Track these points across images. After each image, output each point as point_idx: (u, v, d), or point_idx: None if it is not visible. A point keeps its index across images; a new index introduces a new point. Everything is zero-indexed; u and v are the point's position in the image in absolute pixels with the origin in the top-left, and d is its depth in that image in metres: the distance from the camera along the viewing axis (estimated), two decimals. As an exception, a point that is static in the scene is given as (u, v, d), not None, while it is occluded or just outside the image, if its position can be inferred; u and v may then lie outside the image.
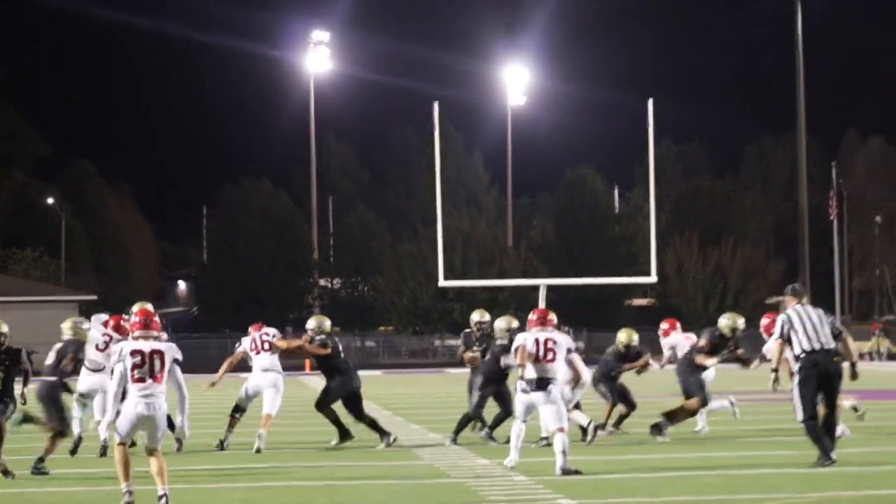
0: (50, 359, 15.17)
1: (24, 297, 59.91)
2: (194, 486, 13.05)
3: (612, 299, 71.72)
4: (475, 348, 17.42)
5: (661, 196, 69.14)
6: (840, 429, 14.81)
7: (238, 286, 71.36)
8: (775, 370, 13.88)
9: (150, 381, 11.30)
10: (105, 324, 16.23)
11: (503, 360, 16.25)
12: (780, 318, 13.99)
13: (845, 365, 13.86)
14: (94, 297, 61.81)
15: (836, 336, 13.81)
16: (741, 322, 16.94)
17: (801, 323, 13.75)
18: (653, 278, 28.44)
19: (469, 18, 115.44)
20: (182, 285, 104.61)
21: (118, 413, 11.49)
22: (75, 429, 15.68)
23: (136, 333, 11.57)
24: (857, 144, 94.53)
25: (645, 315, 66.58)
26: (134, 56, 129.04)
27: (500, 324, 16.65)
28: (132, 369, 11.31)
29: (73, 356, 15.01)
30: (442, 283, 28.91)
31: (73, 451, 15.46)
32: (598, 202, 77.39)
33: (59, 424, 14.52)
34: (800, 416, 13.59)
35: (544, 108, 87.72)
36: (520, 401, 13.78)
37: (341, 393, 16.93)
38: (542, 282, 29.05)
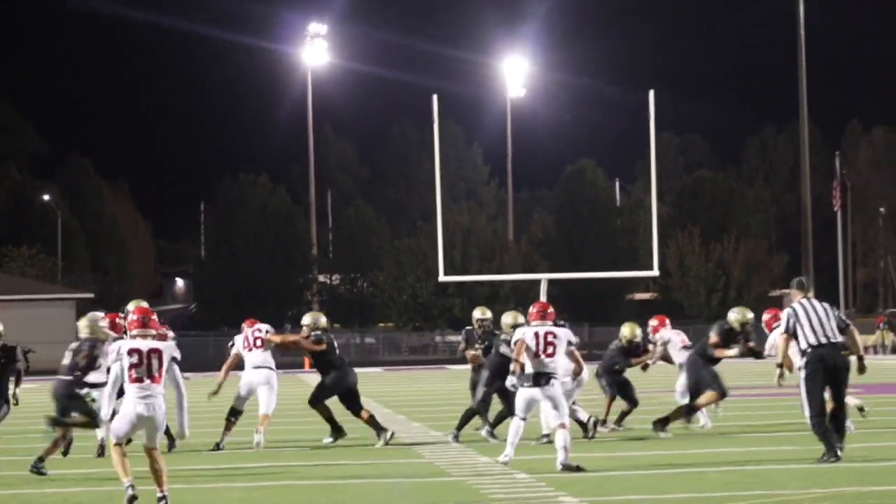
0: (67, 358, 15.04)
1: (21, 296, 59.71)
2: (193, 485, 12.97)
3: (613, 294, 71.35)
4: (477, 346, 17.35)
5: (663, 189, 68.72)
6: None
7: (236, 283, 70.99)
8: (780, 365, 13.86)
9: (148, 381, 11.17)
10: (100, 321, 15.85)
11: (502, 350, 16.12)
12: (786, 311, 13.88)
13: (852, 358, 13.75)
14: (90, 296, 61.51)
15: (843, 330, 13.70)
16: (750, 315, 16.96)
17: (806, 317, 13.64)
18: (654, 272, 28.18)
19: (468, 10, 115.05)
20: (180, 282, 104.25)
21: (114, 413, 11.38)
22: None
23: (134, 332, 11.42)
24: (860, 135, 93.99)
25: (647, 309, 65.89)
26: (130, 51, 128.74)
27: (507, 319, 16.50)
28: (130, 369, 11.17)
29: (87, 353, 14.79)
30: (442, 278, 28.80)
31: (65, 452, 15.22)
32: (599, 195, 76.98)
33: (86, 417, 14.37)
34: (807, 412, 13.52)
35: (544, 100, 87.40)
36: (521, 396, 13.68)
37: (336, 390, 16.79)
38: (543, 276, 28.94)
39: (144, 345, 11.24)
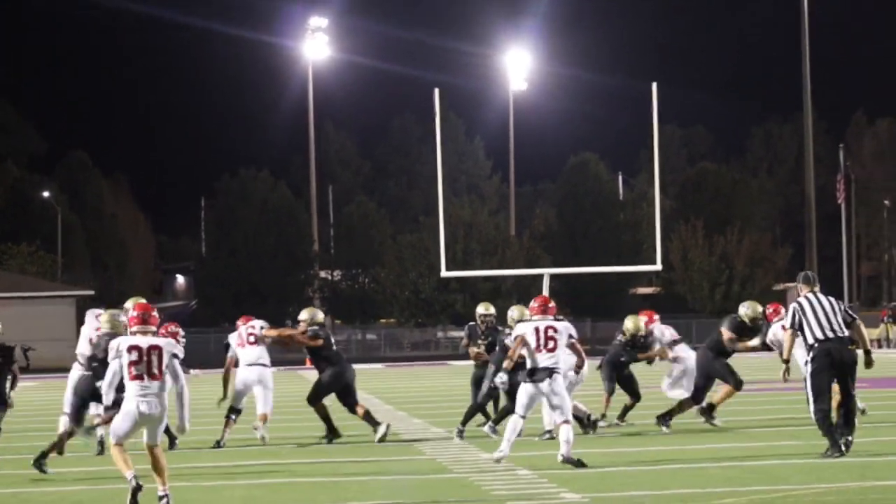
0: (84, 348, 15.14)
1: (21, 293, 59.47)
2: (194, 483, 12.94)
3: (616, 288, 71.02)
4: (480, 341, 17.34)
5: (666, 182, 68.38)
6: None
7: (237, 279, 70.75)
8: (786, 360, 13.87)
9: (148, 378, 11.12)
10: (99, 318, 15.80)
11: (507, 343, 15.87)
12: (792, 306, 13.86)
13: (859, 352, 13.75)
14: (91, 293, 61.24)
15: (850, 324, 13.68)
16: (760, 309, 17.05)
17: (813, 311, 13.62)
18: (658, 266, 27.87)
19: (469, 3, 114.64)
20: (180, 279, 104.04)
21: (111, 406, 11.42)
22: (60, 427, 15.47)
23: (134, 329, 11.36)
24: (864, 127, 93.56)
25: (650, 303, 65.67)
26: (129, 45, 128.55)
27: (513, 313, 16.36)
28: (130, 366, 11.11)
29: (105, 348, 14.59)
30: (444, 273, 28.56)
31: (60, 451, 15.02)
32: (602, 189, 76.67)
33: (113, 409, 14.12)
34: (812, 406, 13.49)
35: (546, 93, 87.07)
36: (524, 391, 13.62)
37: (334, 387, 16.72)
38: (546, 271, 28.67)
39: (144, 341, 11.17)
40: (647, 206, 69.47)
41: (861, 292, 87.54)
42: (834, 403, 13.84)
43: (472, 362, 17.72)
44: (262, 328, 16.91)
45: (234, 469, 14.17)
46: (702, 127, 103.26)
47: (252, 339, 16.77)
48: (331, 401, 16.84)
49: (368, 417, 16.59)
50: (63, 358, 15.23)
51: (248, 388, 16.66)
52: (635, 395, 17.96)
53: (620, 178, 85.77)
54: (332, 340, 16.97)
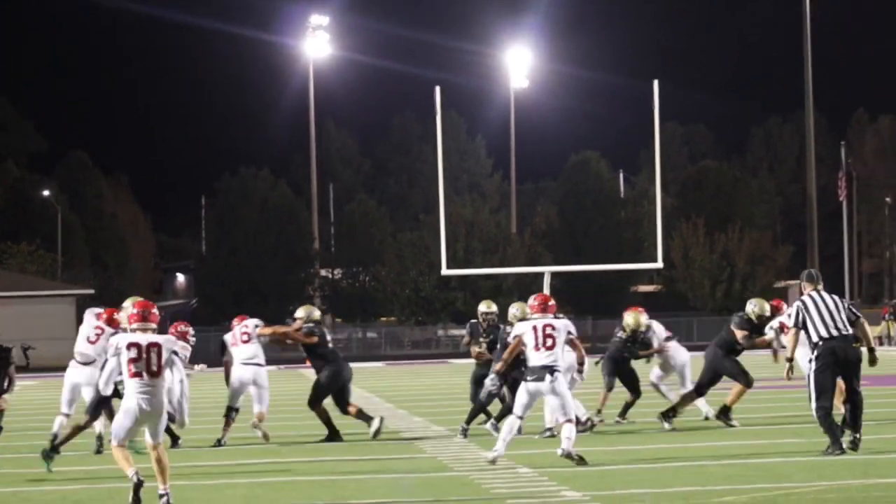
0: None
1: (21, 292, 59.42)
2: (195, 482, 12.92)
3: (617, 286, 70.88)
4: (481, 339, 17.30)
5: (667, 180, 68.28)
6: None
7: (238, 278, 70.69)
8: (790, 359, 13.84)
9: (147, 375, 11.08)
10: (98, 316, 15.99)
11: (503, 338, 15.97)
12: (796, 304, 13.83)
13: (863, 349, 13.72)
14: (91, 292, 61.17)
15: (853, 322, 13.67)
16: (767, 307, 17.05)
17: (816, 309, 13.60)
18: (659, 264, 27.84)
19: (470, 1, 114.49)
20: (180, 278, 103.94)
21: (109, 399, 11.53)
22: (54, 427, 15.44)
23: (134, 326, 11.31)
24: (866, 124, 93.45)
25: (651, 301, 65.60)
26: (129, 44, 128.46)
27: (514, 311, 16.27)
28: (129, 363, 11.07)
29: None
30: (445, 271, 28.53)
31: (55, 450, 14.96)
32: (603, 187, 76.57)
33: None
34: (813, 403, 13.47)
35: (547, 91, 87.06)
36: (524, 390, 13.54)
37: (333, 387, 16.65)
38: (547, 269, 28.65)
39: (144, 339, 11.13)
40: (648, 204, 69.39)
41: (862, 290, 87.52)
42: (838, 401, 13.80)
43: (472, 360, 17.68)
44: (256, 327, 16.89)
45: (235, 468, 14.14)
46: (703, 125, 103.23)
47: (245, 337, 16.75)
48: (326, 401, 16.81)
49: (361, 415, 16.56)
50: (63, 357, 15.20)
51: (244, 387, 16.65)
52: (636, 392, 17.96)
53: (621, 176, 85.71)
54: (328, 338, 16.89)
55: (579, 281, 65.72)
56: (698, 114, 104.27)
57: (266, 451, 15.58)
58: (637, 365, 18.21)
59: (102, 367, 14.62)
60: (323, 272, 76.03)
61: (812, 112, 62.85)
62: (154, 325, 11.36)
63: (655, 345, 18.10)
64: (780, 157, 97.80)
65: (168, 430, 14.74)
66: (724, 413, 16.87)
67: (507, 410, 16.27)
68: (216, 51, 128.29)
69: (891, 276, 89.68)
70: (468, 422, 16.56)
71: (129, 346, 11.11)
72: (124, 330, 12.93)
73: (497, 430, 16.07)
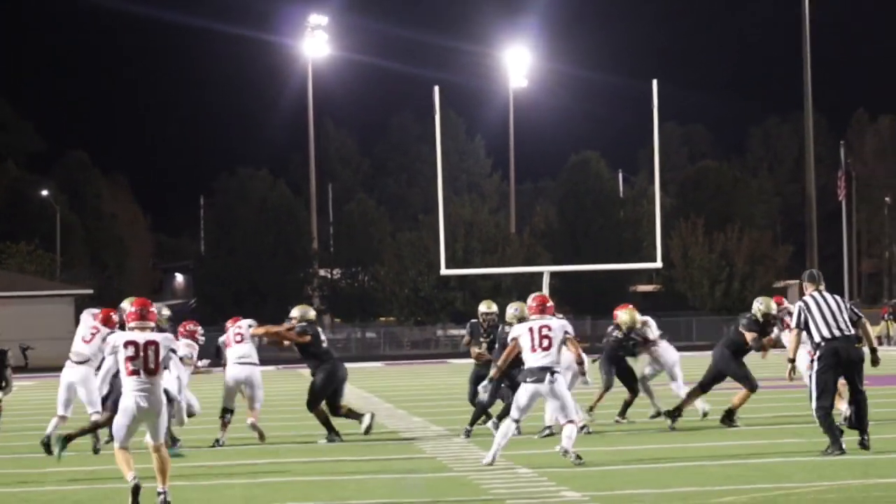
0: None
1: (19, 292, 59.42)
2: (193, 483, 12.93)
3: (616, 286, 70.80)
4: (482, 339, 17.27)
5: (666, 179, 68.20)
6: (846, 411, 14.59)
7: (236, 278, 70.64)
8: (792, 360, 13.80)
9: (144, 374, 11.05)
10: (94, 316, 15.98)
11: (502, 338, 15.89)
12: (798, 305, 13.82)
13: (865, 350, 13.73)
14: (89, 291, 61.17)
15: (855, 322, 13.67)
16: (774, 305, 17.05)
17: (819, 310, 13.59)
18: (658, 264, 27.82)
19: (469, 1, 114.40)
20: (179, 278, 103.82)
21: (107, 397, 11.49)
22: (48, 429, 15.44)
23: (132, 324, 11.28)
24: (865, 124, 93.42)
25: (650, 301, 65.61)
26: (128, 44, 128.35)
27: (513, 311, 16.24)
28: (126, 361, 11.05)
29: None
30: (444, 271, 28.49)
31: (50, 450, 15.03)
32: (603, 187, 76.53)
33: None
34: (814, 403, 13.47)
35: (546, 91, 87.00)
36: (523, 392, 13.45)
37: (329, 388, 16.59)
38: (546, 269, 28.60)
39: (141, 337, 11.11)
40: (647, 204, 69.33)
41: (862, 289, 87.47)
42: (839, 402, 13.79)
43: (471, 360, 17.66)
44: (249, 327, 16.91)
45: (234, 468, 14.13)
46: (702, 125, 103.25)
47: (238, 337, 16.77)
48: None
49: (351, 414, 16.54)
50: (62, 357, 15.21)
51: (238, 384, 16.66)
52: (634, 390, 17.96)
53: (621, 175, 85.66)
54: (322, 338, 16.82)
55: (579, 281, 65.69)
56: (697, 114, 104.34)
57: (264, 452, 15.58)
58: (631, 363, 18.22)
59: (99, 368, 14.71)
60: (322, 272, 75.98)
61: (811, 112, 62.88)
62: (152, 324, 11.35)
63: (651, 337, 18.10)
64: (780, 157, 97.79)
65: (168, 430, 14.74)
66: (729, 417, 16.86)
67: (508, 410, 16.19)
68: (215, 51, 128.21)
69: (890, 276, 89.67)
70: (471, 424, 16.51)
71: (126, 343, 11.09)
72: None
73: (497, 429, 16.14)
